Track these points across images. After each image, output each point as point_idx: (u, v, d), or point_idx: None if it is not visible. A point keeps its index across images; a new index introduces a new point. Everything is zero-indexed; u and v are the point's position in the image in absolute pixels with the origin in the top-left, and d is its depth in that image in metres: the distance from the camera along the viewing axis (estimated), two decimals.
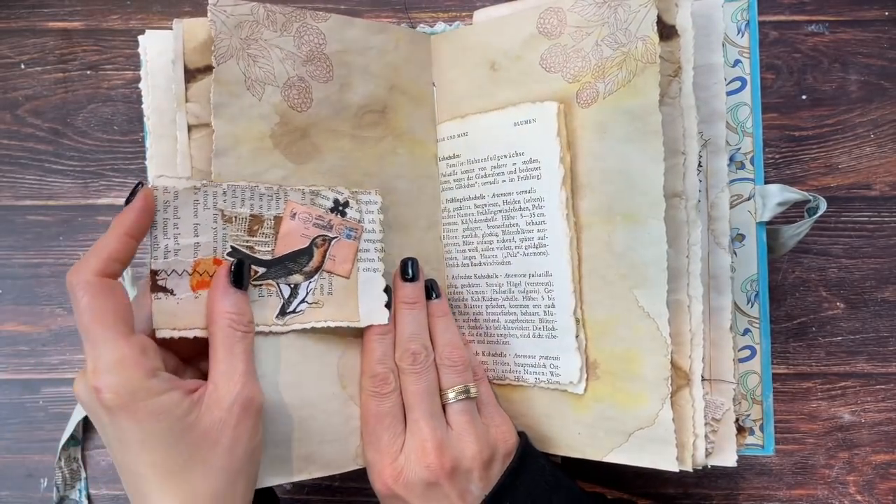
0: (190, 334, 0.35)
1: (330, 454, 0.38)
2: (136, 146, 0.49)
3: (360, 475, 0.48)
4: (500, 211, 0.41)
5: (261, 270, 0.37)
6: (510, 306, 0.41)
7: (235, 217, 0.37)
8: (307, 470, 0.38)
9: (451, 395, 0.38)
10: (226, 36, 0.37)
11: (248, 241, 0.37)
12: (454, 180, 0.43)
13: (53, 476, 0.48)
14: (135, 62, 0.49)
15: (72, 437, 0.47)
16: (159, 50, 0.39)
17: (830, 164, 0.48)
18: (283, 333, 0.38)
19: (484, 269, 0.42)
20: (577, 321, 0.39)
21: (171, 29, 0.38)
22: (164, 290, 0.35)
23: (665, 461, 0.37)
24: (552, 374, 0.40)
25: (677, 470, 0.37)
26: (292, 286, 0.38)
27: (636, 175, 0.37)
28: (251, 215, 0.37)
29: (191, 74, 0.38)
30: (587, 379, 0.39)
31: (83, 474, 0.48)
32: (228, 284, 0.35)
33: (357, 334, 0.40)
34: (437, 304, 0.40)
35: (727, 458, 0.39)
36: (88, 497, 0.48)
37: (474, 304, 0.42)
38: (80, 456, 0.48)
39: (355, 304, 0.39)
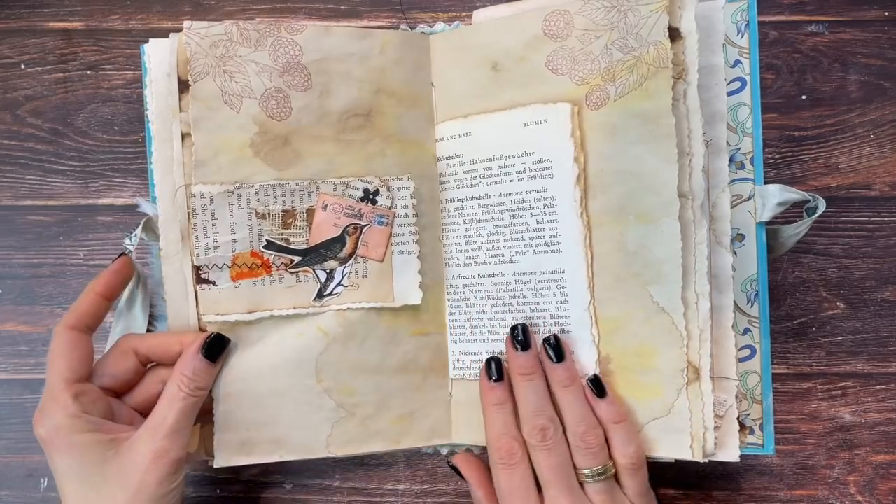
0: (231, 318, 0.40)
1: (300, 440, 0.41)
2: (137, 146, 0.49)
3: (361, 476, 0.48)
4: (507, 210, 0.41)
5: (297, 259, 0.41)
6: (518, 304, 0.41)
7: (269, 213, 0.40)
8: (277, 452, 0.41)
9: (587, 472, 0.37)
10: (201, 56, 0.39)
11: (282, 234, 0.40)
12: (455, 180, 0.43)
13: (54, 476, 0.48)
14: (135, 62, 0.49)
15: None
16: (160, 58, 0.41)
17: (830, 164, 0.48)
18: (320, 314, 0.41)
19: (489, 269, 0.42)
20: (591, 317, 0.40)
21: (171, 30, 0.39)
22: (207, 281, 0.40)
23: (680, 450, 0.38)
24: None
25: (692, 458, 0.38)
26: (328, 271, 0.41)
27: (649, 176, 0.37)
28: (283, 210, 0.40)
29: (184, 85, 0.40)
30: (600, 373, 0.40)
31: None
32: (197, 351, 0.38)
33: (340, 337, 0.41)
34: (560, 370, 0.38)
35: (730, 454, 0.40)
36: None
37: (478, 303, 0.42)
38: None
39: (390, 286, 0.42)
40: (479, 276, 0.42)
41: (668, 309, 0.38)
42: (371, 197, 0.41)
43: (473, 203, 0.42)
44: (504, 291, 0.42)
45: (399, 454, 0.48)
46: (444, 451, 0.46)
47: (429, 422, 0.43)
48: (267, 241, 0.40)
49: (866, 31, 0.48)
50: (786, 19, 0.48)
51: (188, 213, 0.40)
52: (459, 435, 0.44)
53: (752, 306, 0.42)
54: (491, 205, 0.42)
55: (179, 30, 0.39)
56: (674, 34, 0.37)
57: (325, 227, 0.41)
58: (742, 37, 0.41)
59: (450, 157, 0.43)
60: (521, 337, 0.39)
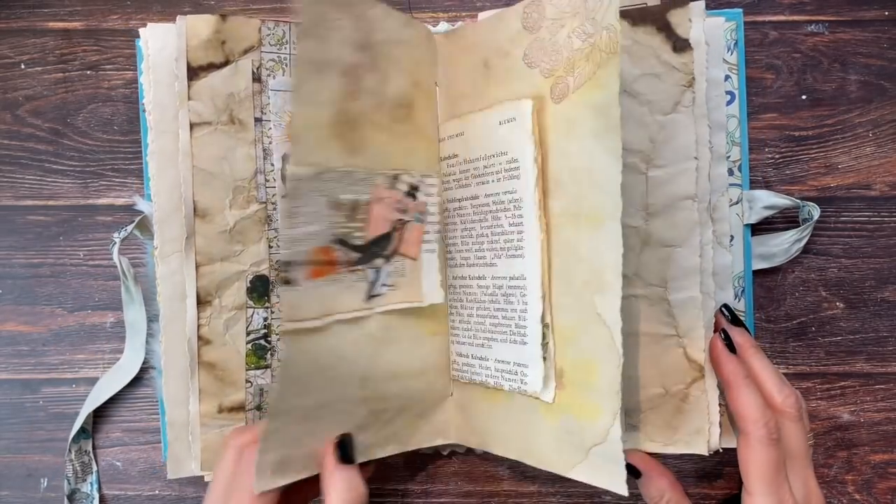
0: (311, 325, 0.36)
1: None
2: (137, 146, 0.49)
3: None
4: (490, 211, 0.40)
5: (356, 256, 0.38)
6: (494, 309, 0.40)
7: (340, 204, 0.37)
8: (308, 468, 0.37)
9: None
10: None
11: (346, 228, 0.37)
12: (453, 180, 0.42)
13: (56, 471, 0.48)
14: (134, 62, 0.49)
15: (82, 429, 0.47)
16: (161, 44, 0.39)
17: (830, 164, 0.48)
18: (368, 318, 0.38)
19: (475, 271, 0.41)
20: (547, 327, 0.37)
21: (172, 23, 0.38)
22: (289, 281, 0.35)
23: (615, 482, 0.34)
24: (521, 382, 0.39)
25: (626, 494, 0.34)
26: (376, 270, 0.39)
27: (599, 173, 0.34)
28: (352, 201, 0.37)
29: (193, 72, 0.38)
30: (556, 388, 0.37)
31: (94, 467, 0.48)
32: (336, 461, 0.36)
33: (382, 341, 0.39)
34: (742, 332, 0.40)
35: (733, 441, 0.40)
36: (100, 490, 0.48)
37: (468, 304, 0.42)
38: (90, 448, 0.48)
39: (419, 285, 0.40)
40: (468, 277, 0.42)
41: (609, 322, 0.34)
42: (413, 192, 0.39)
43: (467, 203, 0.41)
44: (485, 295, 0.40)
45: (399, 454, 0.48)
46: (446, 452, 0.47)
47: (434, 422, 0.43)
48: (334, 235, 0.37)
49: (866, 31, 0.48)
50: (786, 19, 0.48)
51: (266, 202, 0.38)
52: (457, 435, 0.44)
53: (739, 301, 0.45)
54: (479, 205, 0.40)
55: None
56: (684, 44, 0.38)
57: (379, 223, 0.38)
58: (731, 54, 0.44)
59: (449, 158, 0.42)
60: (730, 315, 0.40)
